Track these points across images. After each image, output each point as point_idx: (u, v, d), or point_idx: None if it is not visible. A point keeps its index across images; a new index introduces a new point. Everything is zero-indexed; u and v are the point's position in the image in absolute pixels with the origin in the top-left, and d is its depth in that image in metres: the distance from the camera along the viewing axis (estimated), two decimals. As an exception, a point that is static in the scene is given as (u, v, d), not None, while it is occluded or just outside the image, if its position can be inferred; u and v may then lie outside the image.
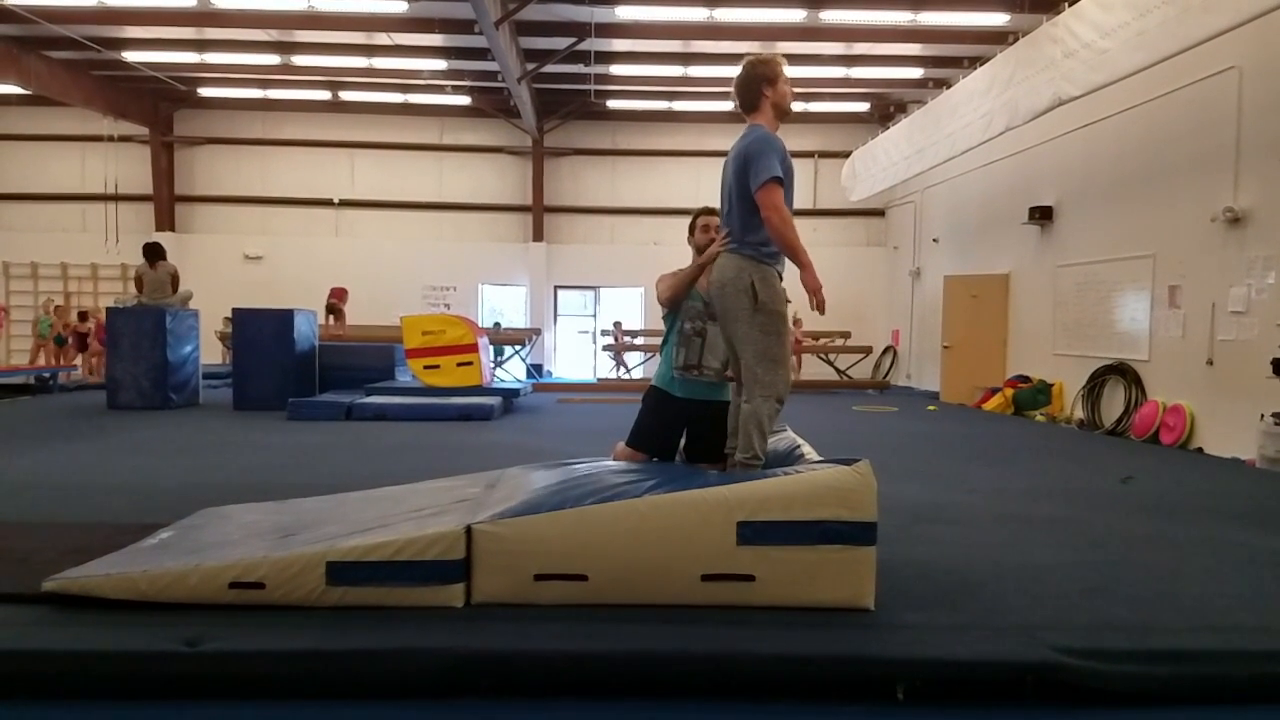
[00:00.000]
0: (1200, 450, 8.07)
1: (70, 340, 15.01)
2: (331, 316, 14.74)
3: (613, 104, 16.50)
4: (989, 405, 11.69)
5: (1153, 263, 9.04)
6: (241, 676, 2.56)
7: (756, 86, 3.49)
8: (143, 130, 16.89)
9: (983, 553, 3.95)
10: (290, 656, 2.60)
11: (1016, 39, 9.77)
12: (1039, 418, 10.69)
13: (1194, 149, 8.45)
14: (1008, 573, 3.57)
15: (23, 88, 13.73)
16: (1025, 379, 11.42)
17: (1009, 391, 11.37)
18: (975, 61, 11.64)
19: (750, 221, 3.41)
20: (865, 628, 2.84)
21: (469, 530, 2.98)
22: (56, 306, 15.90)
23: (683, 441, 3.93)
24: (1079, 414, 10.13)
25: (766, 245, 3.42)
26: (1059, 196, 11.06)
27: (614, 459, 3.81)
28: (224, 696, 2.53)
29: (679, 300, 3.81)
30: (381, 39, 13.18)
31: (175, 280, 10.97)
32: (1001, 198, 12.48)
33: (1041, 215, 11.19)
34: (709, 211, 3.96)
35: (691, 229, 4.02)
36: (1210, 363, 8.14)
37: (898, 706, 2.54)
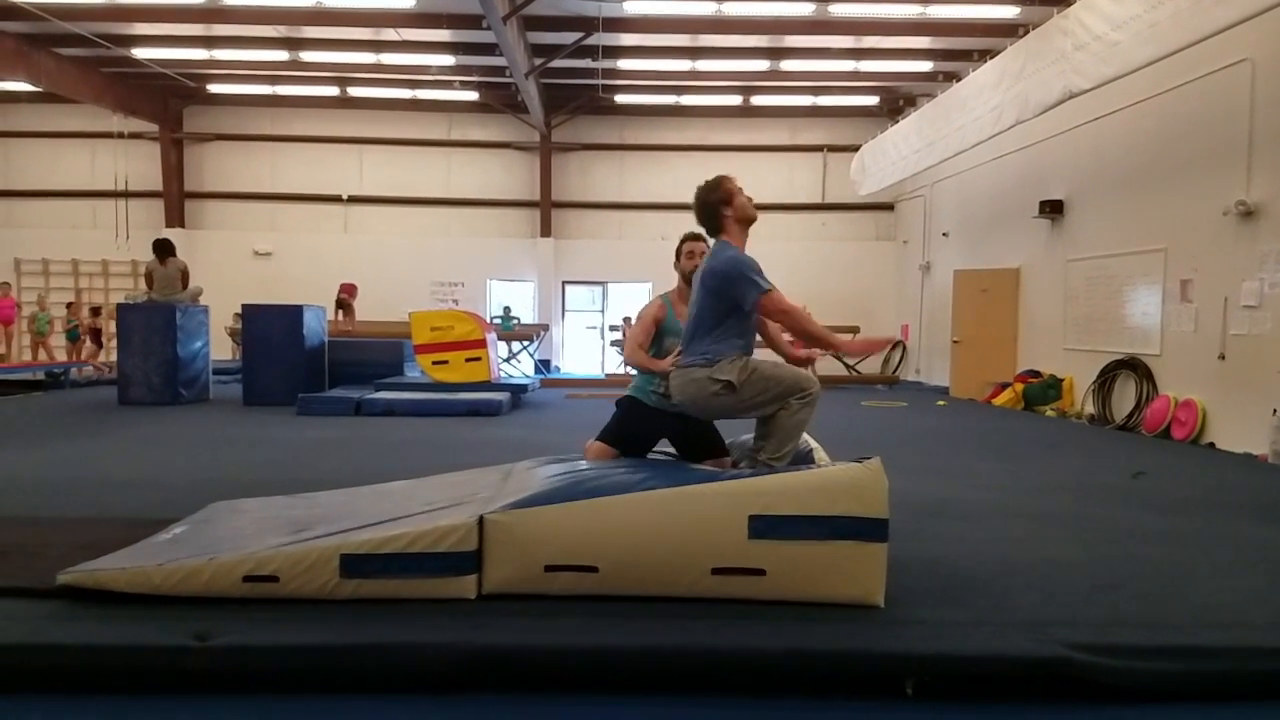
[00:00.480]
0: (1212, 445, 8.03)
1: (86, 336, 15.11)
2: (341, 311, 14.78)
3: (620, 99, 16.47)
4: (999, 400, 11.65)
5: (1164, 257, 8.98)
6: (255, 671, 2.57)
7: (716, 210, 3.55)
8: (152, 127, 16.94)
9: (993, 548, 3.95)
10: (304, 650, 2.61)
11: (1026, 32, 9.71)
12: (1049, 413, 10.65)
13: (1206, 142, 8.39)
14: (1018, 568, 3.56)
15: (33, 85, 13.79)
16: (1036, 374, 11.37)
17: (1019, 386, 11.33)
18: (985, 55, 11.56)
19: (703, 334, 3.44)
20: (875, 623, 2.84)
21: (481, 521, 2.99)
22: (69, 304, 16.01)
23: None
24: (1090, 409, 10.09)
25: (711, 347, 3.42)
26: (1070, 190, 11.00)
27: (585, 457, 3.79)
28: (237, 691, 2.54)
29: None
30: (389, 34, 13.19)
31: (185, 276, 11.02)
32: (1012, 191, 12.42)
33: (1052, 209, 11.13)
34: (695, 237, 3.91)
35: (678, 254, 3.97)
36: (1222, 357, 8.09)
37: (907, 702, 2.54)
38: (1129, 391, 9.44)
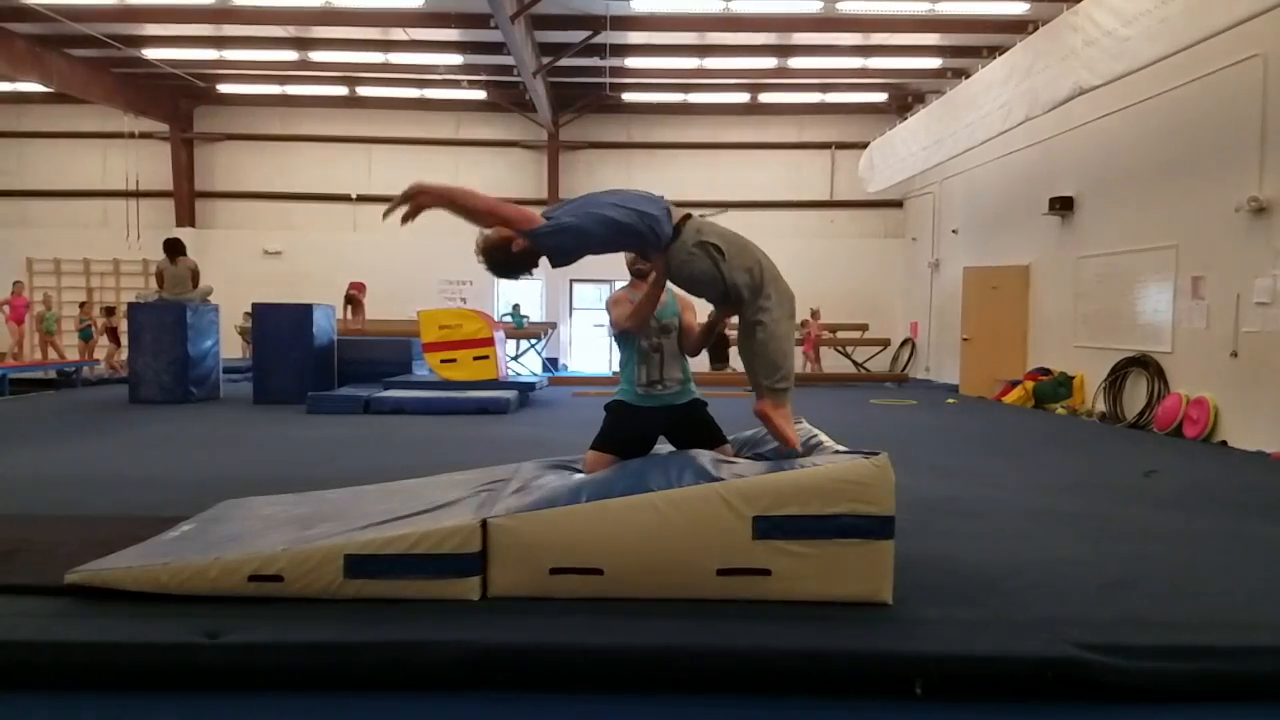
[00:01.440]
0: (1224, 444, 7.97)
1: (102, 335, 15.20)
2: (350, 307, 14.84)
3: (628, 97, 16.46)
4: (1009, 398, 11.59)
5: (1175, 253, 8.92)
6: (261, 668, 2.58)
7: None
8: (163, 127, 17.02)
9: (1003, 547, 3.92)
10: (309, 648, 2.62)
11: (1036, 28, 9.66)
12: (1060, 411, 10.59)
13: (1218, 138, 8.32)
14: (1028, 567, 3.54)
15: (45, 86, 13.87)
16: (1046, 371, 11.31)
17: (1029, 384, 11.28)
18: (994, 51, 11.52)
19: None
20: (883, 623, 2.82)
21: (485, 524, 2.99)
22: (82, 303, 16.11)
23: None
24: (1100, 407, 10.03)
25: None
26: (1079, 187, 10.94)
27: (585, 469, 3.74)
28: (244, 688, 2.55)
29: (637, 327, 3.67)
30: (398, 34, 13.21)
31: (195, 275, 11.07)
32: (1021, 188, 12.36)
33: (1062, 206, 11.07)
34: None
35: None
36: (1234, 355, 8.03)
37: (916, 702, 2.52)
38: (1140, 389, 9.38)
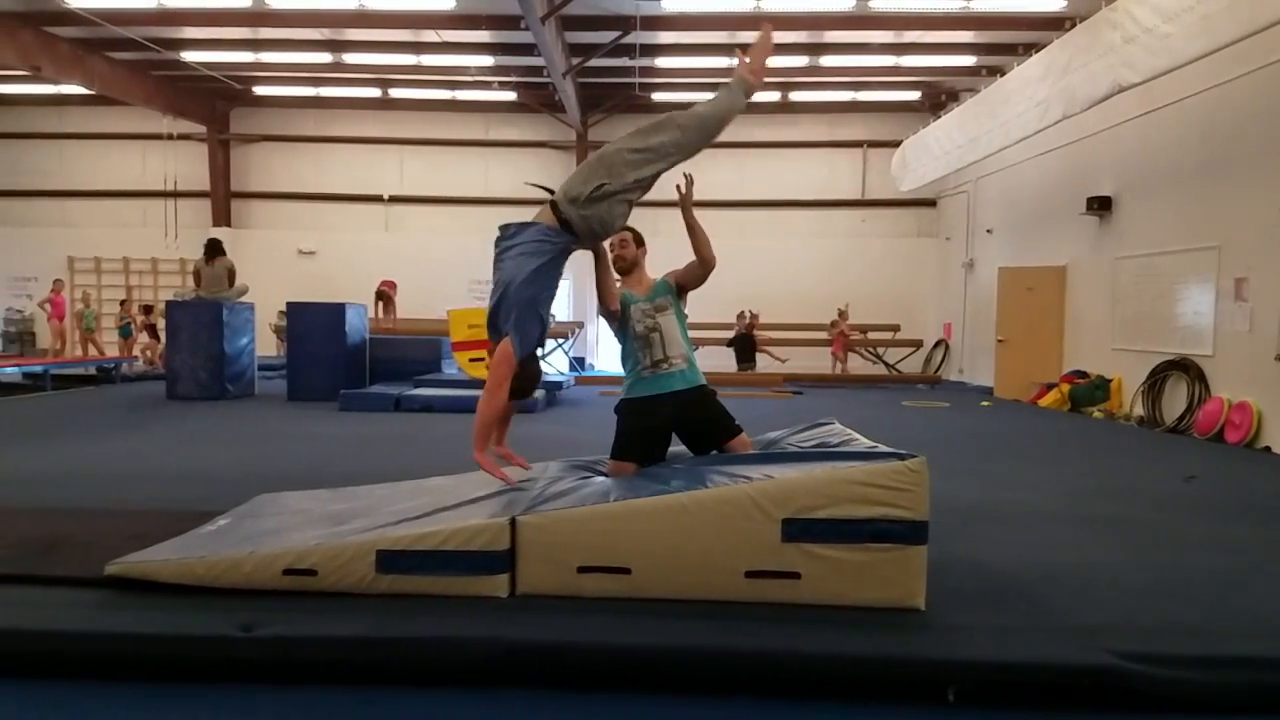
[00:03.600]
0: (1268, 449, 7.78)
1: (142, 331, 15.49)
2: (381, 304, 14.97)
3: (657, 96, 16.44)
4: (1044, 401, 11.43)
5: (1218, 254, 8.73)
6: (294, 661, 2.61)
7: None
8: (200, 128, 17.30)
9: (1037, 553, 3.86)
10: (341, 642, 2.64)
11: (1073, 24, 9.50)
12: (1097, 414, 10.42)
13: (1261, 136, 8.13)
14: (1063, 574, 3.48)
15: (87, 88, 14.15)
16: (1083, 374, 11.13)
17: (1065, 387, 11.10)
18: (1030, 48, 11.34)
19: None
20: (915, 628, 2.78)
21: (513, 522, 3.00)
22: (122, 301, 16.44)
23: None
24: (1139, 411, 9.85)
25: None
26: (1118, 186, 10.75)
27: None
28: (277, 681, 2.58)
29: (611, 300, 3.81)
30: (430, 36, 13.31)
31: (232, 275, 11.23)
32: (1058, 187, 12.17)
33: (1100, 205, 10.88)
34: (628, 228, 3.95)
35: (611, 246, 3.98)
36: (1279, 358, 7.84)
37: (948, 709, 2.49)
38: (1180, 393, 9.19)
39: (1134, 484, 5.86)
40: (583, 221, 3.49)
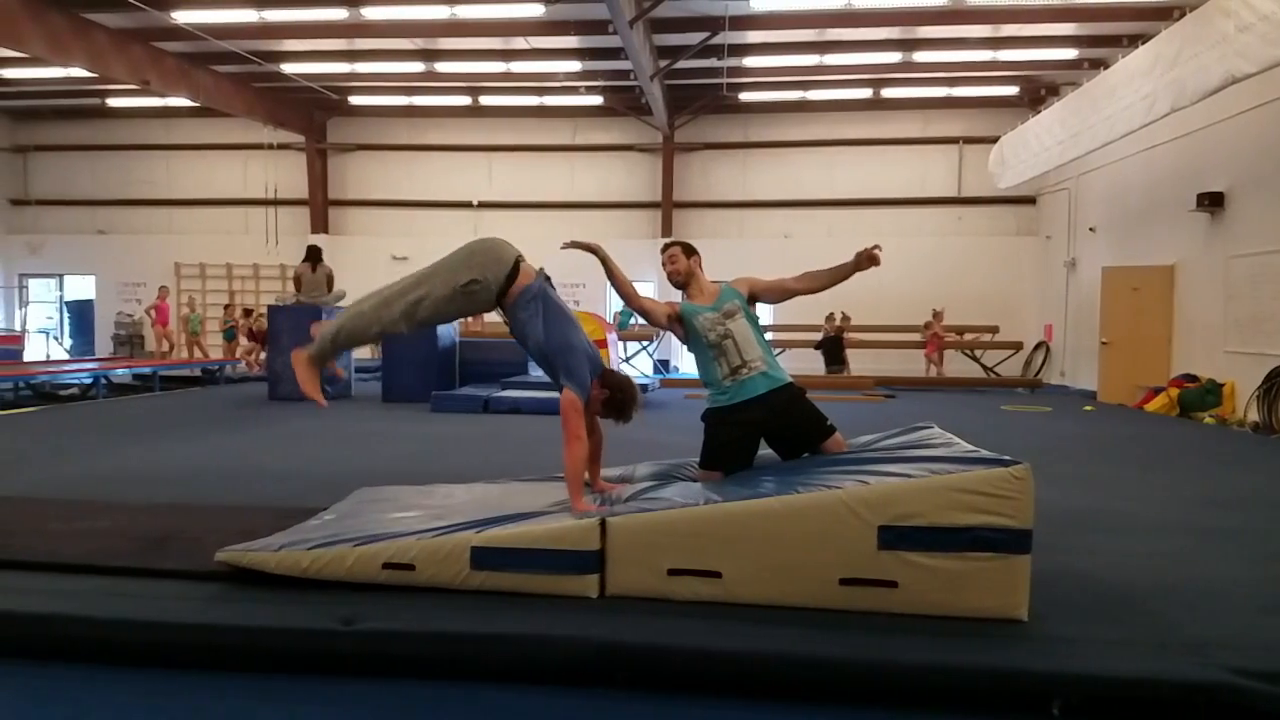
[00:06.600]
0: (1402, 459, 7.24)
1: (245, 335, 16.21)
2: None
3: (745, 96, 16.34)
4: (1151, 406, 10.90)
5: (1345, 251, 8.18)
6: (392, 655, 2.67)
7: None
8: (299, 138, 18.02)
9: (1147, 564, 3.67)
10: (438, 638, 2.70)
11: (1182, 14, 9.06)
12: (1208, 420, 9.88)
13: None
14: (1175, 586, 3.31)
15: (192, 100, 14.89)
16: (1192, 378, 10.58)
17: (1174, 391, 10.57)
18: (1135, 40, 10.84)
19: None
20: (1018, 639, 2.68)
21: (604, 522, 3.02)
22: (226, 305, 17.26)
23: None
24: (1253, 416, 9.30)
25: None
26: (1231, 182, 10.17)
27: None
28: (374, 674, 2.64)
29: (634, 300, 3.94)
30: (519, 43, 13.54)
31: (331, 280, 11.66)
32: (1165, 184, 11.59)
33: (1211, 202, 10.33)
34: (674, 243, 4.03)
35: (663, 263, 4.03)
36: None
37: (1054, 724, 2.39)
38: (1302, 399, 8.64)
39: (1249, 493, 5.52)
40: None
